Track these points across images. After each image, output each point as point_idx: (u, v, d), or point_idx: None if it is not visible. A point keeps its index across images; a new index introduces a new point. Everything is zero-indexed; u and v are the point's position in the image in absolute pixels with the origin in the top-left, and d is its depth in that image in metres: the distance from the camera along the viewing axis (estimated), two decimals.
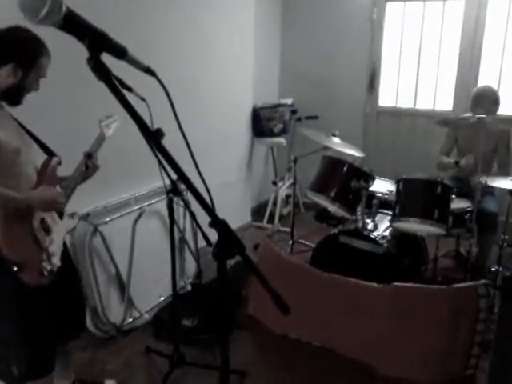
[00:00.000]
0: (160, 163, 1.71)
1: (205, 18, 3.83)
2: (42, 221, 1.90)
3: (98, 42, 0.76)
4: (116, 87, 0.78)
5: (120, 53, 0.80)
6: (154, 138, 0.81)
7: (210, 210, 0.99)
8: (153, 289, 3.25)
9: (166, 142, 1.07)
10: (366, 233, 3.08)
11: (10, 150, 1.78)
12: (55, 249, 1.96)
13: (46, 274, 1.87)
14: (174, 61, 3.51)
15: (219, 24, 4.03)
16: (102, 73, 0.77)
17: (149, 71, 0.85)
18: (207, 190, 1.05)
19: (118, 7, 2.97)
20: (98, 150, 2.15)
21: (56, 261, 1.95)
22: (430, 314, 2.59)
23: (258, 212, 5.09)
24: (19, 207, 1.81)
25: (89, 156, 2.09)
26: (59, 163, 2.07)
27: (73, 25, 0.74)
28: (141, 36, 3.13)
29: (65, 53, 2.38)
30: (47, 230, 1.92)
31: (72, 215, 2.76)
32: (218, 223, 1.00)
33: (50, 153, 2.06)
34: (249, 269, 1.15)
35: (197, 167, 1.02)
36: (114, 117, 2.24)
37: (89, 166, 2.09)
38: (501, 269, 3.24)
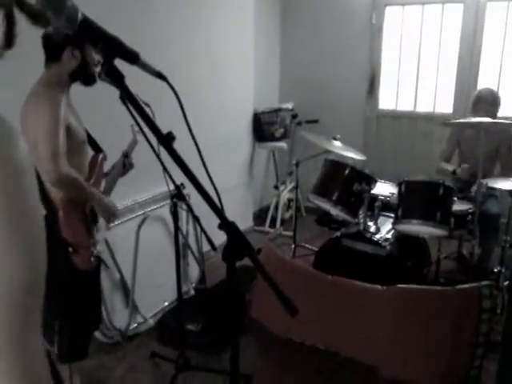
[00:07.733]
0: (165, 169, 1.74)
1: (205, 24, 3.86)
2: (92, 210, 2.01)
3: (111, 48, 0.78)
4: (129, 92, 0.79)
5: (133, 58, 0.81)
6: (166, 141, 0.83)
7: (219, 211, 1.00)
8: (157, 294, 3.25)
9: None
10: (368, 235, 3.08)
11: (79, 139, 1.88)
12: (99, 237, 2.07)
13: (92, 259, 1.96)
14: (174, 65, 3.50)
15: (219, 29, 4.06)
16: (116, 78, 0.78)
17: (160, 76, 0.87)
18: (217, 193, 1.06)
19: (118, 11, 2.94)
20: (132, 152, 2.32)
21: (99, 249, 2.05)
22: (433, 315, 2.60)
23: (260, 216, 5.10)
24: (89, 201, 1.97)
25: (126, 155, 2.27)
26: (105, 159, 2.19)
27: (87, 31, 0.75)
28: (141, 40, 3.13)
29: None
30: (94, 219, 2.04)
31: None
32: (227, 225, 1.01)
33: (96, 148, 2.16)
34: (255, 271, 1.16)
35: (207, 171, 1.03)
36: None
37: (126, 164, 2.27)
38: (503, 270, 3.25)
